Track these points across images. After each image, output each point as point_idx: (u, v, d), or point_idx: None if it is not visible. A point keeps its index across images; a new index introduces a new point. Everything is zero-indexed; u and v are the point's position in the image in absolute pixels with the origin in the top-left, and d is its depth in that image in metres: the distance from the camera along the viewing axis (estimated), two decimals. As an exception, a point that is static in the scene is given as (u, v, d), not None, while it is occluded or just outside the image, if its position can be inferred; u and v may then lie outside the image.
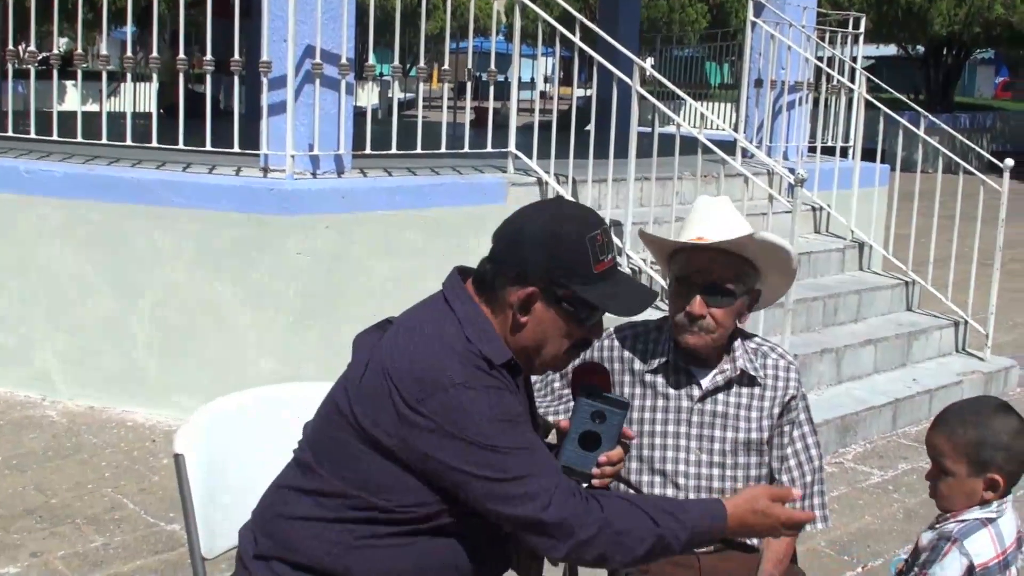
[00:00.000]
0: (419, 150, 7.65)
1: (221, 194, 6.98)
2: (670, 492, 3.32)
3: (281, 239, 6.88)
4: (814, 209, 9.55)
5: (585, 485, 2.73)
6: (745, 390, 3.36)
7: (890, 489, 6.47)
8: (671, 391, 3.35)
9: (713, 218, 3.29)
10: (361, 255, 7.10)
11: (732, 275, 3.24)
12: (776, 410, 3.36)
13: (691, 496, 3.30)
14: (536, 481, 2.49)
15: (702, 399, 3.34)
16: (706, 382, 3.34)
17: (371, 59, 7.66)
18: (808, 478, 3.42)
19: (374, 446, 2.54)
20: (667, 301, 3.38)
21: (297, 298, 6.94)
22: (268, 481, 2.81)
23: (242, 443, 3.13)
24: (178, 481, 2.93)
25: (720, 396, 3.34)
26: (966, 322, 8.91)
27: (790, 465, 3.40)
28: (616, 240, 7.56)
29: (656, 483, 3.34)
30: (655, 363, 3.36)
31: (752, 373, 3.35)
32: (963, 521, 2.87)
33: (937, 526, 2.92)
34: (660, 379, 3.36)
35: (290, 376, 6.57)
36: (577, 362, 3.14)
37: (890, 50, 40.83)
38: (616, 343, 3.44)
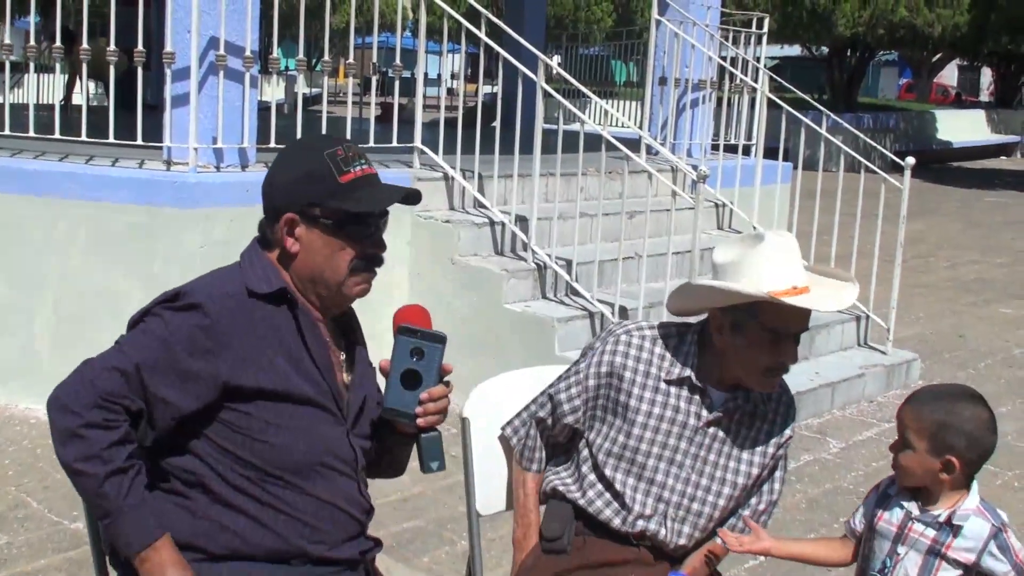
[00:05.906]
0: (325, 144, 7.56)
1: (123, 187, 6.90)
2: (651, 503, 3.26)
3: (183, 232, 6.82)
4: (717, 205, 9.65)
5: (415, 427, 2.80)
6: (753, 422, 3.31)
7: (792, 480, 6.54)
8: (682, 405, 3.26)
9: (793, 262, 3.14)
10: (266, 249, 7.02)
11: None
12: (772, 451, 3.33)
13: (670, 511, 3.26)
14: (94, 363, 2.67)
15: (709, 423, 3.26)
16: (719, 407, 3.27)
17: (276, 53, 7.62)
18: (761, 507, 3.40)
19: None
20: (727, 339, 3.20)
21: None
22: None
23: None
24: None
25: (729, 424, 3.28)
26: (868, 316, 9.03)
27: (762, 491, 3.39)
28: (514, 228, 7.66)
29: (640, 489, 3.26)
30: (675, 373, 3.27)
31: (763, 408, 3.30)
32: (972, 508, 2.95)
33: (953, 514, 2.95)
34: (674, 390, 3.27)
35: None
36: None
37: (794, 50, 41.41)
38: (635, 341, 3.31)
